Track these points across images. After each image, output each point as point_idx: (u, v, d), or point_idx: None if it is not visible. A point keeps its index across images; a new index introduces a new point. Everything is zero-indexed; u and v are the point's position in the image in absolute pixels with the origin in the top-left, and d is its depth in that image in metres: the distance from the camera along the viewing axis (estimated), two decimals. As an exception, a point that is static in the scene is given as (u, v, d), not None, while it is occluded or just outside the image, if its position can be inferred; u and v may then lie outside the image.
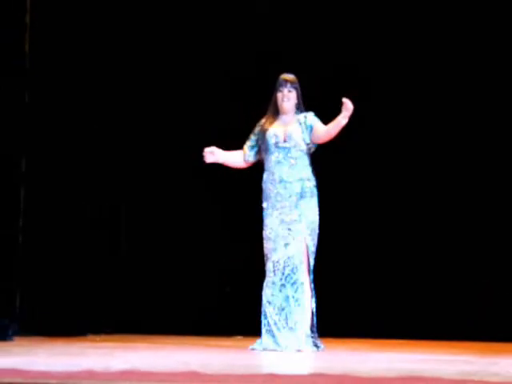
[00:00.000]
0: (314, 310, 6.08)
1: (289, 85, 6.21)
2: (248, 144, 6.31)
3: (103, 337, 7.13)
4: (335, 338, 7.23)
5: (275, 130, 6.20)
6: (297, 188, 6.12)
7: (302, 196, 6.13)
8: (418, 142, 7.68)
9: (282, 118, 6.25)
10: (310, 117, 6.23)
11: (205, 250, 7.86)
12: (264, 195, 6.21)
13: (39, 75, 7.46)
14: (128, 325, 7.65)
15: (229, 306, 7.76)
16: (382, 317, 7.50)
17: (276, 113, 6.25)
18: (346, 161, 7.65)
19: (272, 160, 6.17)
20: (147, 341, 6.76)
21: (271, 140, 6.17)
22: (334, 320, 7.38)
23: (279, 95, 6.22)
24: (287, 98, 6.20)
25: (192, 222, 7.92)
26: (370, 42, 7.73)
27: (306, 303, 6.00)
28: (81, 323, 7.25)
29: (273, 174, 6.16)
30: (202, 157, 6.31)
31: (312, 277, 6.10)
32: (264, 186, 6.21)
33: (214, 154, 6.24)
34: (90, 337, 7.11)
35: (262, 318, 6.04)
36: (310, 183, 6.17)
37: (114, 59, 7.87)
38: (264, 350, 5.96)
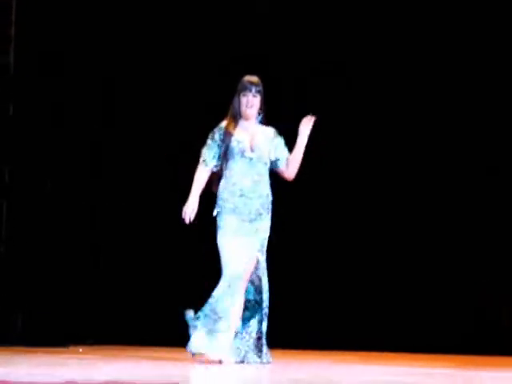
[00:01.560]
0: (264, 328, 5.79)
1: (254, 89, 5.75)
2: (207, 151, 5.80)
3: (85, 348, 7.09)
4: (319, 350, 7.23)
5: (241, 137, 5.74)
6: (256, 204, 5.73)
7: (260, 213, 5.74)
8: (411, 147, 7.66)
9: (243, 123, 5.80)
10: (281, 144, 5.84)
11: (186, 261, 7.85)
12: (219, 204, 5.78)
13: (24, 88, 7.48)
14: (111, 336, 7.63)
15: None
16: (366, 329, 7.51)
17: (237, 117, 5.79)
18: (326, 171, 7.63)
19: (234, 169, 5.74)
20: (130, 352, 6.73)
21: (236, 147, 5.72)
22: (319, 332, 7.41)
23: (243, 100, 5.76)
24: (251, 103, 5.76)
25: (172, 235, 7.88)
26: (366, 41, 7.72)
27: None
28: (63, 334, 7.22)
29: (233, 184, 5.74)
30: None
31: (267, 295, 5.77)
32: (221, 194, 5.78)
33: (194, 210, 5.75)
34: (72, 348, 7.07)
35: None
36: (268, 200, 5.79)
37: (97, 71, 7.89)
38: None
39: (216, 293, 5.67)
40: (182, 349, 7.15)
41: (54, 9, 7.62)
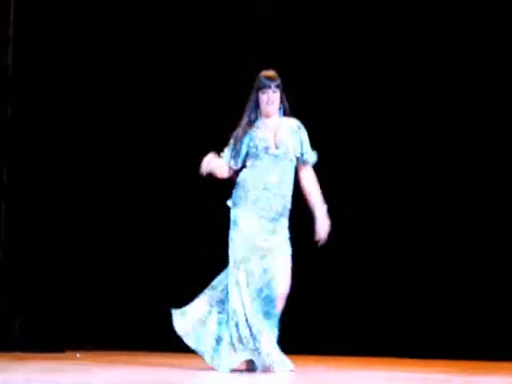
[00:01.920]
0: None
1: (273, 85, 5.56)
2: (230, 149, 5.65)
3: (82, 353, 7.07)
4: (317, 355, 7.22)
5: (264, 135, 5.57)
6: (278, 204, 5.54)
7: (281, 214, 5.58)
8: (412, 148, 7.59)
9: (265, 121, 5.62)
10: (306, 139, 5.66)
11: (186, 265, 7.84)
12: (237, 194, 5.59)
13: (22, 88, 7.46)
14: (108, 341, 7.61)
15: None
16: (364, 334, 7.49)
17: (257, 115, 5.63)
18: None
19: (259, 165, 5.56)
20: (128, 358, 6.71)
21: (260, 145, 5.55)
22: (316, 337, 7.39)
23: (263, 97, 5.57)
24: (272, 100, 5.56)
25: (171, 237, 7.89)
26: (366, 41, 7.67)
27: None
28: (59, 339, 7.21)
29: (258, 178, 5.55)
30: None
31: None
32: (240, 185, 5.59)
33: (211, 162, 5.62)
34: (69, 353, 7.06)
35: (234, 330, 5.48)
36: (289, 205, 5.63)
37: (97, 71, 7.87)
38: (231, 368, 5.48)
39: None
40: (180, 354, 7.16)
41: (52, 9, 7.61)
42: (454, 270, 7.51)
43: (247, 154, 5.63)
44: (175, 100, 7.93)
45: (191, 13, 7.98)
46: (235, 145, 5.62)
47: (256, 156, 5.58)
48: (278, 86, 5.59)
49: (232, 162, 5.66)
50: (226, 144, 5.72)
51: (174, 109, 7.93)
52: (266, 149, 5.56)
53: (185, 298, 7.78)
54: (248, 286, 5.51)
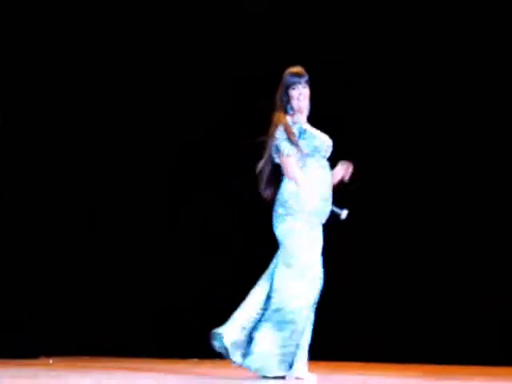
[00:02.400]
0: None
1: (303, 80, 5.33)
2: (290, 143, 5.23)
3: (56, 359, 6.97)
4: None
5: (320, 134, 5.30)
6: (327, 209, 5.31)
7: (324, 219, 5.34)
8: (413, 150, 7.54)
9: (299, 119, 5.33)
10: None
11: (163, 270, 7.78)
12: (290, 209, 5.21)
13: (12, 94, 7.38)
14: (83, 347, 7.51)
15: (184, 327, 7.65)
16: (338, 339, 7.45)
17: (288, 113, 5.32)
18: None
19: (313, 169, 5.26)
20: (102, 363, 6.64)
21: (324, 145, 5.27)
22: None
23: (294, 93, 5.31)
24: (304, 95, 5.32)
25: (153, 242, 7.83)
26: (366, 41, 7.64)
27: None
28: (33, 345, 7.13)
29: (312, 187, 5.23)
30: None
31: None
32: (291, 198, 5.22)
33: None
34: (43, 359, 6.96)
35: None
36: None
37: (80, 79, 7.80)
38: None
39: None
40: (154, 359, 7.11)
41: (39, 13, 7.55)
42: (430, 278, 7.50)
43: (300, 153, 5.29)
44: (175, 100, 7.87)
45: (188, 14, 7.92)
46: (292, 139, 5.25)
47: (312, 158, 5.29)
48: (307, 82, 5.37)
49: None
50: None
51: (174, 109, 7.87)
52: (327, 151, 5.31)
53: (157, 303, 7.76)
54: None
